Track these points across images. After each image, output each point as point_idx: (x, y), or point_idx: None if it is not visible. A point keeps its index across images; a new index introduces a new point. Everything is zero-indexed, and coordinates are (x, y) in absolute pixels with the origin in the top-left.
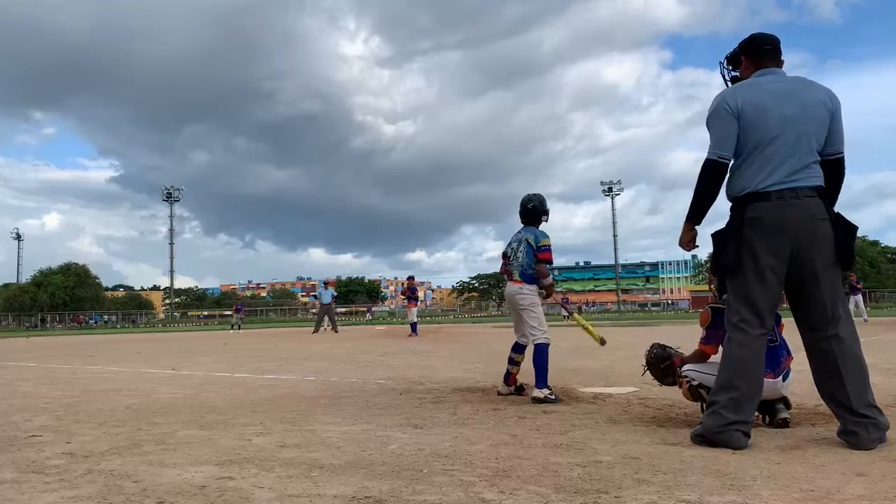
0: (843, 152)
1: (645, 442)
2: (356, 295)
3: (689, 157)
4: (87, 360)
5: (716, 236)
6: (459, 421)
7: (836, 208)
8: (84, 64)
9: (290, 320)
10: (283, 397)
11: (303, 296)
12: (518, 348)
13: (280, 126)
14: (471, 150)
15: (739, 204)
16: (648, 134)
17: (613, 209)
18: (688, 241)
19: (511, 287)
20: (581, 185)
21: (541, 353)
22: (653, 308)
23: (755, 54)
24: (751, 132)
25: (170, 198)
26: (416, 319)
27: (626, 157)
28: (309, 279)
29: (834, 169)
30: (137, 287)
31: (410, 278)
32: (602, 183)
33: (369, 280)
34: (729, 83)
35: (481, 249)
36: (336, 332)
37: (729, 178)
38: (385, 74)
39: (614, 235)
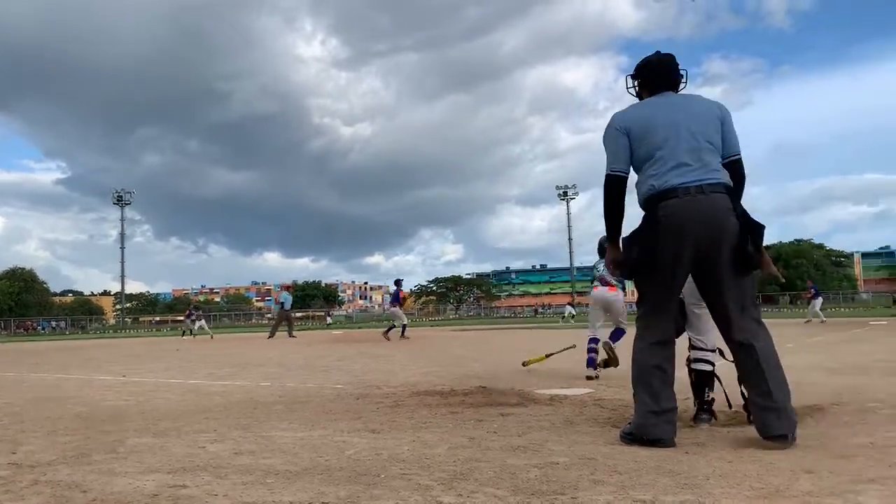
0: (740, 155)
1: (600, 443)
2: (313, 299)
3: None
4: (32, 368)
5: (628, 237)
6: (417, 425)
7: (777, 208)
8: (30, 63)
9: (244, 326)
10: (238, 403)
11: (258, 300)
12: (595, 340)
13: (235, 128)
14: (429, 152)
15: (650, 205)
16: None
17: (569, 212)
18: (611, 261)
19: (610, 293)
20: (538, 189)
21: (624, 333)
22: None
23: (648, 79)
24: (644, 142)
25: (120, 201)
26: (404, 321)
27: (583, 160)
28: (264, 284)
29: (735, 170)
30: (87, 292)
31: (397, 282)
32: (558, 187)
33: (326, 284)
34: (634, 96)
35: (440, 253)
36: (293, 336)
37: (636, 189)
38: (342, 76)
39: (569, 238)
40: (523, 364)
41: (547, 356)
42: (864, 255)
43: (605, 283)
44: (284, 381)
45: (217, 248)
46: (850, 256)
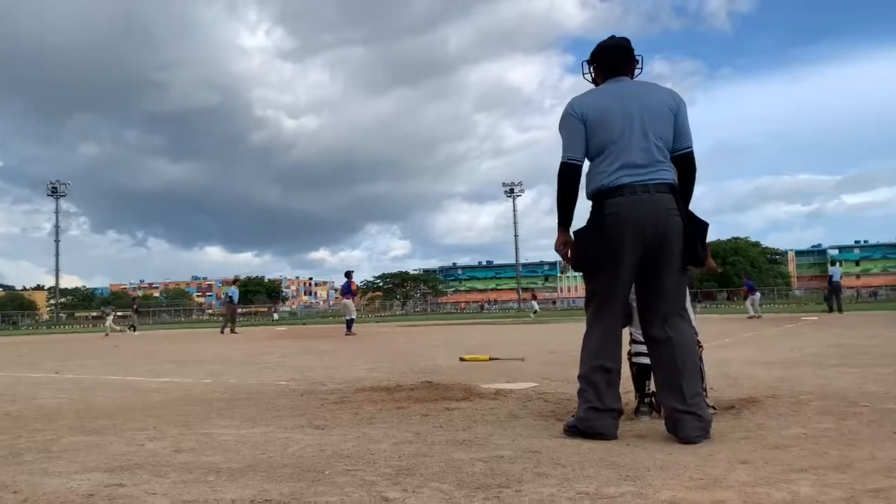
0: (691, 147)
1: (545, 436)
2: (256, 295)
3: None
4: None
5: (576, 234)
6: (362, 421)
7: (716, 206)
8: None
9: (184, 322)
10: (178, 400)
11: (198, 296)
12: None
13: (175, 118)
14: (376, 147)
15: (596, 202)
16: (550, 136)
17: (515, 210)
18: (561, 243)
19: None
20: (485, 186)
21: None
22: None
23: (603, 63)
24: (597, 134)
25: (55, 192)
26: (353, 315)
27: (528, 158)
28: (205, 279)
29: (684, 164)
30: (19, 286)
31: (348, 273)
32: (504, 184)
33: (269, 280)
34: (592, 84)
35: (386, 248)
36: (235, 333)
37: (586, 179)
38: (287, 68)
39: (516, 235)
40: (461, 359)
41: (490, 359)
42: (798, 253)
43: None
44: (226, 378)
45: (156, 241)
46: (784, 254)
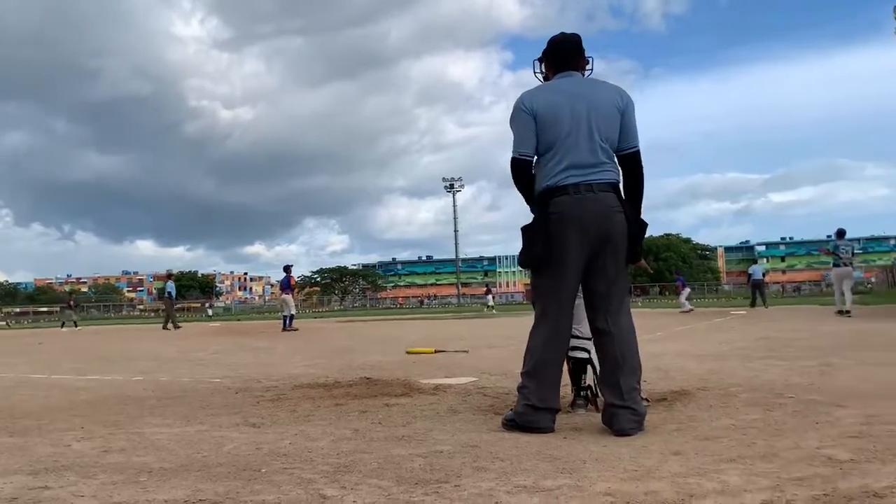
0: (637, 147)
1: (483, 430)
2: (189, 290)
3: None
4: None
5: (523, 230)
6: (300, 418)
7: (649, 204)
8: None
9: (114, 318)
10: (107, 399)
11: (129, 291)
12: None
13: (104, 108)
14: (314, 139)
15: (542, 199)
16: (490, 132)
17: (455, 205)
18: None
19: None
20: (425, 181)
21: None
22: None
23: (553, 58)
24: (546, 131)
25: None
26: (292, 311)
27: (469, 154)
28: (135, 273)
29: (631, 163)
30: None
31: (287, 268)
32: (444, 179)
33: (203, 274)
34: (542, 81)
35: (325, 243)
36: (166, 329)
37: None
38: (223, 57)
39: (455, 231)
40: (407, 352)
41: (436, 351)
42: (727, 250)
43: None
44: (158, 376)
45: (84, 235)
46: (714, 250)
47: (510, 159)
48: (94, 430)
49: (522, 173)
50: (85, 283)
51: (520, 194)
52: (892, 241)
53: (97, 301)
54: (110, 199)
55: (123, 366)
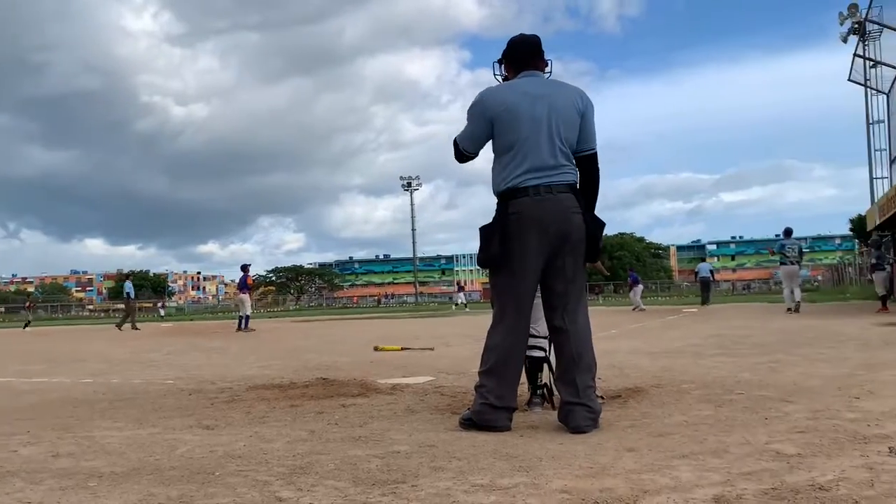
0: (595, 149)
1: (441, 429)
2: (141, 290)
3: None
4: None
5: (481, 230)
6: (254, 420)
7: (605, 203)
8: None
9: (62, 318)
10: (55, 402)
11: (77, 291)
12: None
13: (51, 103)
14: (269, 137)
15: (501, 200)
16: (447, 131)
17: (412, 203)
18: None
19: None
20: (382, 179)
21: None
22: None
23: (514, 59)
24: (506, 133)
25: None
26: (248, 312)
27: (426, 152)
28: (85, 273)
29: (588, 165)
30: None
31: (244, 267)
32: (401, 177)
33: (155, 274)
34: (500, 81)
35: (280, 242)
36: (121, 330)
37: (492, 175)
38: (176, 53)
39: (413, 229)
40: (375, 349)
41: (402, 349)
42: (679, 248)
43: None
44: (108, 377)
45: (31, 233)
46: (666, 249)
47: (454, 141)
48: (41, 434)
49: (461, 158)
50: (32, 282)
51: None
52: (838, 241)
53: (44, 301)
54: (58, 197)
55: (72, 367)
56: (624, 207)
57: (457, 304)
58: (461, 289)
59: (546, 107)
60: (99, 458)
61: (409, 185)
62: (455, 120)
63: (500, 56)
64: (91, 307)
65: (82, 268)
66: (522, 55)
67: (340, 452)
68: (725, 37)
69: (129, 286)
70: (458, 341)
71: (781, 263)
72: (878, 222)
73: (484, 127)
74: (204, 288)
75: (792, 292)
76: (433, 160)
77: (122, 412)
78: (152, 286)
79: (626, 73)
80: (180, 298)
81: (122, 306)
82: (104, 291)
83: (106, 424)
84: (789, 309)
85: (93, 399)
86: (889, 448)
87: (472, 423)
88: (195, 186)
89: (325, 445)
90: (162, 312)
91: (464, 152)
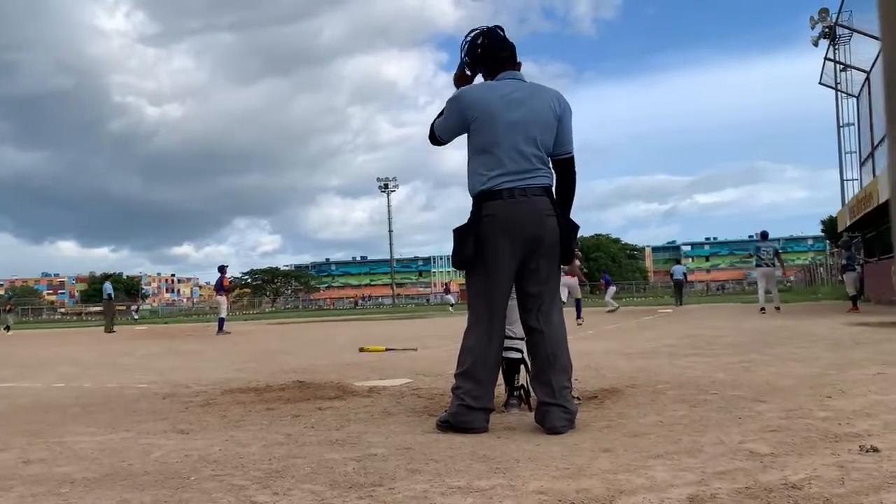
0: (571, 152)
1: (418, 432)
2: (114, 292)
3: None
4: None
5: (455, 232)
6: (230, 423)
7: (580, 205)
8: None
9: (33, 321)
10: (25, 408)
11: (49, 294)
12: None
13: (22, 103)
14: (245, 138)
15: (476, 202)
16: (424, 132)
17: (389, 205)
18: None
19: (571, 280)
20: (359, 180)
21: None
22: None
23: (492, 59)
24: (482, 134)
25: None
26: (223, 315)
27: (403, 153)
28: (56, 275)
29: (564, 168)
30: None
31: (221, 268)
32: (378, 179)
33: (129, 276)
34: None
35: (255, 243)
36: (111, 332)
37: (467, 177)
38: (150, 53)
39: (390, 231)
40: (360, 350)
41: (387, 349)
42: (654, 249)
43: (564, 274)
44: (80, 382)
45: (1, 235)
46: (642, 250)
47: (431, 126)
48: (11, 440)
49: (433, 142)
50: (2, 285)
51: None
52: (810, 241)
53: (15, 304)
54: (29, 198)
55: (43, 372)
56: (600, 209)
57: (452, 306)
58: (448, 290)
59: (523, 110)
60: (71, 463)
61: (387, 186)
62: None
63: (466, 49)
64: (63, 310)
65: (54, 270)
66: (501, 57)
67: (317, 456)
68: (699, 41)
69: (108, 287)
70: (435, 343)
71: (757, 265)
72: (848, 223)
73: (460, 123)
74: (178, 290)
75: (767, 293)
76: (410, 162)
77: (94, 417)
78: (126, 289)
79: (602, 75)
80: (154, 301)
81: (101, 308)
82: (76, 294)
83: (78, 429)
84: (762, 309)
85: (64, 404)
86: (860, 446)
87: (450, 425)
88: (170, 188)
89: (302, 449)
90: (135, 315)
91: (438, 139)
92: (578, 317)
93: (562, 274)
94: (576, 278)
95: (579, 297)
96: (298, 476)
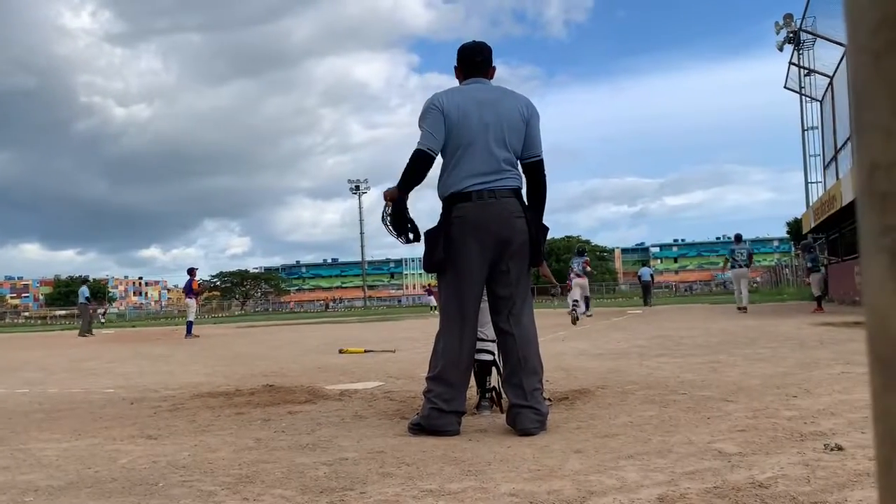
0: (540, 155)
1: (389, 435)
2: (78, 295)
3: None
4: None
5: (426, 235)
6: (199, 428)
7: (551, 207)
8: None
9: None
10: None
11: (13, 297)
12: (576, 302)
13: None
14: (214, 139)
15: (446, 204)
16: (396, 134)
17: (361, 207)
18: (389, 195)
19: (581, 280)
20: (330, 182)
21: (589, 299)
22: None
23: (465, 65)
24: (454, 136)
25: None
26: (191, 318)
27: (375, 155)
28: (20, 279)
29: (534, 171)
30: None
31: (191, 271)
32: (350, 181)
33: (95, 279)
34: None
35: (225, 246)
36: (85, 335)
37: (439, 179)
38: (117, 52)
39: (361, 233)
40: (340, 351)
41: (366, 351)
42: (624, 251)
43: (577, 275)
44: (45, 387)
45: None
46: (612, 251)
47: (415, 150)
48: None
49: (425, 165)
50: None
51: (403, 179)
52: (776, 243)
53: None
54: None
55: (6, 377)
56: (570, 211)
57: (433, 308)
58: (430, 291)
59: (492, 113)
60: (35, 471)
61: (358, 188)
62: (404, 124)
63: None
64: (27, 314)
65: (17, 273)
66: (473, 61)
67: (287, 460)
68: (667, 45)
69: (85, 291)
70: (407, 345)
71: (732, 267)
72: (813, 225)
73: (441, 122)
74: (146, 293)
75: (741, 292)
76: (382, 163)
77: (59, 423)
78: (93, 292)
79: (573, 78)
80: (121, 304)
81: (66, 313)
82: (41, 298)
83: (43, 436)
84: (739, 307)
85: (28, 410)
86: (825, 445)
87: (421, 428)
88: (137, 189)
89: (272, 454)
90: (102, 319)
91: (430, 153)
92: (587, 309)
93: (574, 275)
94: (586, 279)
95: (588, 294)
96: (269, 481)
